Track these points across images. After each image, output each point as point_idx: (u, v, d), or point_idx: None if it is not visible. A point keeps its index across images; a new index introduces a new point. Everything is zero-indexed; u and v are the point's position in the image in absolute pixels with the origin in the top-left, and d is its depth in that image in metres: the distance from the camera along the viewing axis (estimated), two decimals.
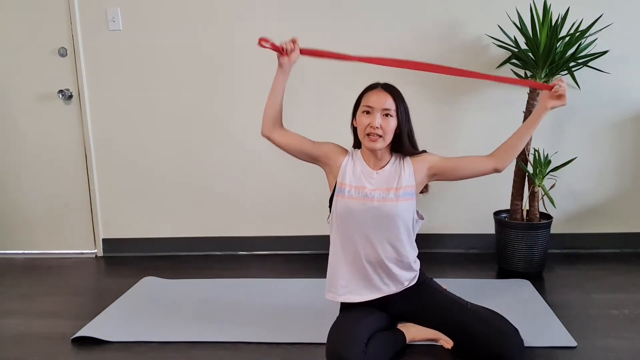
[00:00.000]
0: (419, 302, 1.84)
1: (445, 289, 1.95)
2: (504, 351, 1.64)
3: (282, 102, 1.86)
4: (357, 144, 1.91)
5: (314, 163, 1.91)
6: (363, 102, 1.79)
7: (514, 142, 1.84)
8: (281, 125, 1.88)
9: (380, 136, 1.74)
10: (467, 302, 1.81)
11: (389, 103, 1.75)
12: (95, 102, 2.89)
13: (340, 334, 1.69)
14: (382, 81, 1.83)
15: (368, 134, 1.75)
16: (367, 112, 1.76)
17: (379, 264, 1.80)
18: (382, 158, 1.83)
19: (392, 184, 1.79)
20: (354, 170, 1.83)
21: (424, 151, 1.87)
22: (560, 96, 1.74)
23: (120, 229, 3.02)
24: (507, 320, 1.72)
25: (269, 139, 1.89)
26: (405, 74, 2.69)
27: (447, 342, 1.77)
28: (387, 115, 1.74)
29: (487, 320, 1.71)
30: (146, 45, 2.81)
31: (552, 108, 1.77)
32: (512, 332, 1.69)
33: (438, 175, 1.86)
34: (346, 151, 1.89)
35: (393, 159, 1.84)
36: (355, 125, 1.85)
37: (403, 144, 1.80)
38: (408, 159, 1.84)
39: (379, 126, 1.73)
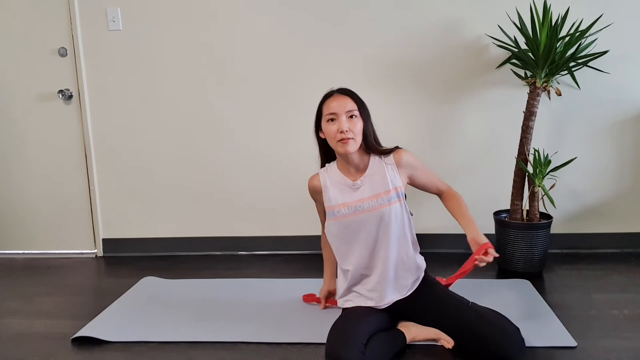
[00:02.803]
0: (420, 301, 1.85)
1: (447, 287, 1.95)
2: (505, 351, 1.64)
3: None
4: (326, 158, 1.93)
5: None
6: (325, 112, 1.80)
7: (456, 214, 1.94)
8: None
9: (351, 138, 1.75)
10: (469, 301, 1.81)
11: (350, 105, 1.77)
12: (95, 102, 2.90)
13: (339, 334, 1.69)
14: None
15: (340, 140, 1.75)
16: (332, 120, 1.77)
17: (386, 270, 1.81)
18: (360, 164, 1.84)
19: (379, 189, 1.80)
20: (334, 188, 1.85)
21: (397, 147, 1.86)
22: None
23: (120, 229, 3.02)
24: (508, 320, 1.72)
25: None
26: (404, 74, 2.72)
27: (447, 342, 1.77)
28: (351, 117, 1.76)
29: (488, 319, 1.71)
30: (146, 45, 2.81)
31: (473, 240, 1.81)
32: (513, 331, 1.68)
33: (410, 177, 1.89)
34: (317, 175, 1.91)
35: (371, 161, 1.84)
36: (322, 137, 1.86)
37: (369, 143, 1.81)
38: (390, 158, 1.83)
39: (347, 129, 1.74)
